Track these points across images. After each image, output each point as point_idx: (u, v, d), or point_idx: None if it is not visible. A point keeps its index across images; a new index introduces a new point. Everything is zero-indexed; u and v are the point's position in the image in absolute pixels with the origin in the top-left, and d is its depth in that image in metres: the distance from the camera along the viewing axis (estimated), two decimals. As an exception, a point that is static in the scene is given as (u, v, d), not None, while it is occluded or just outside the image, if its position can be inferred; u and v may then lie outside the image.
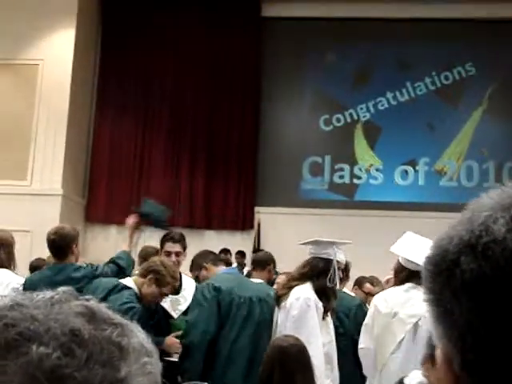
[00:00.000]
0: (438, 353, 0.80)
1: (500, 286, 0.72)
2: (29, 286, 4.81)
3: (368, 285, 7.86)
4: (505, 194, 0.78)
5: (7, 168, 11.36)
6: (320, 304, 4.57)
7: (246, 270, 10.78)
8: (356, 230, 11.81)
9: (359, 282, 7.64)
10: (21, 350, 0.65)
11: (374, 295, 7.77)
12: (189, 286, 5.42)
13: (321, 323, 4.57)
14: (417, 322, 4.28)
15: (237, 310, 4.85)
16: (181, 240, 5.20)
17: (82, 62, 12.19)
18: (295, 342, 3.60)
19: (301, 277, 4.66)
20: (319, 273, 4.61)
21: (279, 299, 4.70)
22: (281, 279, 5.86)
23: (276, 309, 4.83)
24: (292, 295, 4.55)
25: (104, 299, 4.13)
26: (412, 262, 4.36)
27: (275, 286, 5.69)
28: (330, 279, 4.60)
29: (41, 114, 11.58)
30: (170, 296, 4.90)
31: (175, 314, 5.06)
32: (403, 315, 4.30)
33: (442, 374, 0.80)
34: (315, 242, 4.80)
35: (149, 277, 4.58)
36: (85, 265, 5.17)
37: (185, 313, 5.07)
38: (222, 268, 5.58)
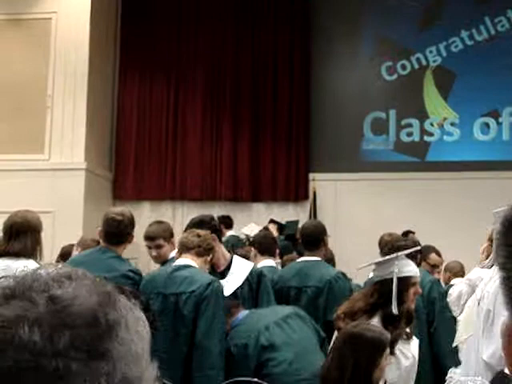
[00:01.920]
0: (503, 325, 0.86)
1: None
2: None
3: (434, 255, 7.65)
4: None
5: (21, 140, 11.38)
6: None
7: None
8: (428, 196, 11.66)
9: (424, 252, 7.34)
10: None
11: (439, 268, 7.66)
12: (239, 270, 5.40)
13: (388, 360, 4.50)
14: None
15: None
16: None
17: (102, 14, 12.10)
18: (369, 327, 3.77)
19: (370, 307, 4.52)
20: (389, 299, 4.45)
21: None
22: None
23: None
24: None
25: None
26: None
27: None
28: (394, 304, 4.42)
29: (57, 77, 11.56)
30: None
31: None
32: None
33: (505, 346, 0.86)
34: (375, 264, 4.69)
35: (210, 256, 5.12)
36: None
37: None
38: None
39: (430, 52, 12.52)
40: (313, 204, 12.11)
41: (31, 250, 5.04)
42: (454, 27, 12.40)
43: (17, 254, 4.99)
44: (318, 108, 12.58)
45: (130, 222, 5.24)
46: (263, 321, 4.94)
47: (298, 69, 12.57)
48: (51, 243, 9.13)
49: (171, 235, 5.93)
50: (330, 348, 3.80)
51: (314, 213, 11.97)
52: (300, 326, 4.95)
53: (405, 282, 4.48)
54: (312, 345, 4.90)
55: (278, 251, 6.87)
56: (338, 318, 4.57)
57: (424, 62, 12.54)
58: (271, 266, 6.32)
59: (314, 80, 12.66)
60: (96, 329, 0.88)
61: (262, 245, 6.56)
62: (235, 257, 5.85)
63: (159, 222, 6.19)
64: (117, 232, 5.19)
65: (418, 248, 5.12)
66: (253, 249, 6.65)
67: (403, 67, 12.60)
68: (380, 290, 4.48)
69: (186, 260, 4.98)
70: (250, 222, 11.25)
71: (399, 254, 4.58)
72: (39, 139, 11.46)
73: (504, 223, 0.96)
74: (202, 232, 5.14)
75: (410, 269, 4.58)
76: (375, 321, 4.42)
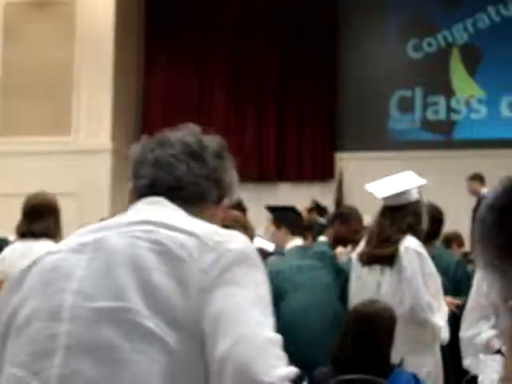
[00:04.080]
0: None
1: None
2: None
3: (456, 246, 7.48)
4: None
5: (48, 122, 11.43)
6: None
7: None
8: (455, 174, 11.54)
9: (446, 241, 7.09)
10: None
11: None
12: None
13: None
14: None
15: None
16: None
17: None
18: (376, 306, 3.80)
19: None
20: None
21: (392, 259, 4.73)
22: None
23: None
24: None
25: None
26: None
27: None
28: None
29: (82, 59, 11.58)
30: None
31: None
32: None
33: None
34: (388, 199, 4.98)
35: None
36: None
37: None
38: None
39: (457, 29, 12.38)
40: (339, 183, 12.07)
41: (53, 230, 5.03)
42: (481, 3, 12.27)
43: (39, 235, 4.98)
44: (344, 86, 12.52)
45: None
46: (286, 261, 5.10)
47: (324, 46, 12.49)
48: (78, 225, 9.18)
49: None
50: (343, 327, 3.81)
51: (340, 192, 11.94)
52: (321, 275, 5.05)
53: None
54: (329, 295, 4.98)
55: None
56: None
57: (450, 40, 12.41)
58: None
59: (340, 58, 12.59)
60: (219, 148, 2.01)
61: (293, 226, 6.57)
62: (255, 239, 5.87)
63: None
64: None
65: (423, 182, 5.28)
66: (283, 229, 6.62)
67: (429, 44, 12.48)
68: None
69: None
70: (277, 202, 11.22)
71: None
72: (65, 121, 11.50)
73: (497, 209, 0.86)
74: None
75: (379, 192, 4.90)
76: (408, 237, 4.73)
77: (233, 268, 1.64)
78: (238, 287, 1.62)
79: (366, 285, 4.80)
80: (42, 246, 4.94)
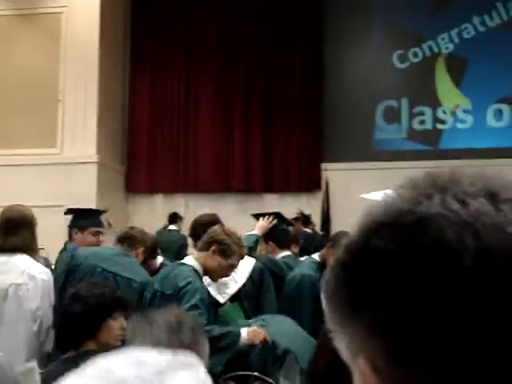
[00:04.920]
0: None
1: None
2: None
3: None
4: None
5: (33, 134, 11.41)
6: None
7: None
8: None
9: None
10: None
11: None
12: (244, 266, 5.42)
13: None
14: None
15: None
16: None
17: (112, 7, 12.11)
18: None
19: None
20: None
21: None
22: None
23: None
24: None
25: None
26: None
27: None
28: None
29: (68, 71, 11.58)
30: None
31: (222, 299, 5.01)
32: None
33: None
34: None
35: (212, 248, 4.68)
36: None
37: (234, 298, 5.03)
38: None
39: (442, 39, 12.41)
40: (325, 194, 12.08)
41: (28, 244, 4.91)
42: (466, 13, 12.29)
43: (13, 249, 4.85)
44: (330, 97, 12.53)
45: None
46: None
47: (310, 58, 12.51)
48: (64, 237, 9.14)
49: None
50: (317, 342, 3.78)
51: (327, 203, 11.95)
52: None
53: None
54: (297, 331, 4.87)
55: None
56: None
57: (436, 50, 12.45)
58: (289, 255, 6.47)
59: (326, 69, 12.60)
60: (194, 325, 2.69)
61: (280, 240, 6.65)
62: None
63: None
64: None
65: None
66: (270, 243, 6.69)
67: (415, 55, 12.51)
68: None
69: (187, 258, 4.92)
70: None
71: None
72: (51, 133, 11.49)
73: (350, 249, 0.74)
74: None
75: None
76: None
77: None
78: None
79: None
80: (17, 260, 4.84)
